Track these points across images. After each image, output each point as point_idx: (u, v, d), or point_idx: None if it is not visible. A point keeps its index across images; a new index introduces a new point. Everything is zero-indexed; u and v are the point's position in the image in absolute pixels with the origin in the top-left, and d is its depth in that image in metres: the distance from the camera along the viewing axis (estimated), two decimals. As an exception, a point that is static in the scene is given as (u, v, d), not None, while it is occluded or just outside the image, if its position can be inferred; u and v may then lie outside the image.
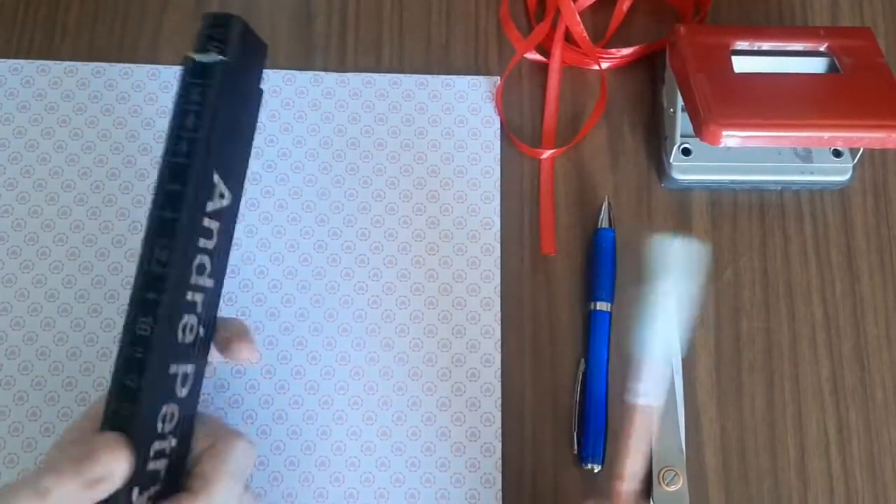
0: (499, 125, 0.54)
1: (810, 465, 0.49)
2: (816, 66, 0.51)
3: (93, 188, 0.51)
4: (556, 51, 0.55)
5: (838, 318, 0.52)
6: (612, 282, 0.51)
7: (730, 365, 0.51)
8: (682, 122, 0.51)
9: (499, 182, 0.53)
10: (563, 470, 0.49)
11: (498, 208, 0.52)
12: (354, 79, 0.54)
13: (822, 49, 0.51)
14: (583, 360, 0.50)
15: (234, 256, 0.51)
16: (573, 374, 0.50)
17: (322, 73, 0.54)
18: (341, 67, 0.55)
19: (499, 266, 0.51)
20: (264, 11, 0.56)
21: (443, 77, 0.55)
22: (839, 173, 0.53)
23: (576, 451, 0.49)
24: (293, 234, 0.51)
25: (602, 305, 0.50)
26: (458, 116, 0.54)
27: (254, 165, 0.52)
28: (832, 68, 0.51)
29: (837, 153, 0.53)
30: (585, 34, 0.55)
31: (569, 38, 0.56)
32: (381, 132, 0.53)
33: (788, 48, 0.51)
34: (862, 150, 0.52)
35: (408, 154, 0.53)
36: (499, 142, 0.54)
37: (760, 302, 0.52)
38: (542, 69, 0.56)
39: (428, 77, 0.55)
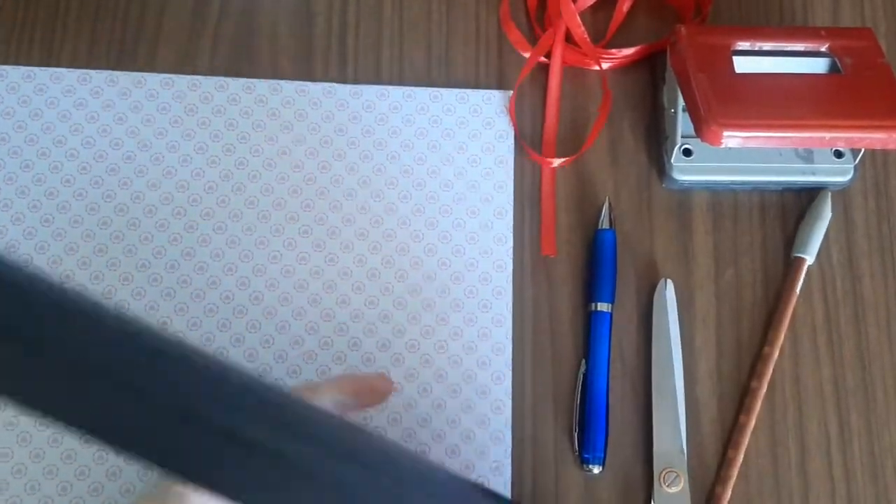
0: (513, 140, 0.54)
1: (811, 466, 0.49)
2: (817, 66, 0.51)
3: (104, 197, 0.51)
4: (557, 52, 0.55)
5: (839, 318, 0.52)
6: (612, 282, 0.51)
7: (731, 366, 0.51)
8: (682, 122, 0.51)
9: (512, 197, 0.53)
10: (563, 471, 0.49)
11: (511, 224, 0.52)
12: (368, 91, 0.54)
13: (823, 49, 0.51)
14: (584, 360, 0.50)
15: (247, 270, 0.50)
16: (574, 374, 0.50)
17: (336, 85, 0.54)
18: (342, 69, 0.55)
19: (511, 283, 0.51)
20: (264, 11, 0.56)
21: (457, 91, 0.54)
22: (840, 174, 0.53)
23: (576, 452, 0.49)
24: (305, 246, 0.51)
25: (603, 306, 0.50)
26: (473, 131, 0.54)
27: (266, 176, 0.52)
28: (833, 69, 0.51)
29: (839, 154, 0.53)
30: (586, 35, 0.54)
31: (569, 37, 0.56)
32: (394, 145, 0.53)
33: (789, 48, 0.51)
34: (863, 150, 0.52)
35: (421, 168, 0.53)
36: (513, 157, 0.53)
37: (761, 302, 0.52)
38: (543, 69, 0.56)
39: (442, 90, 0.54)
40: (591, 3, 0.56)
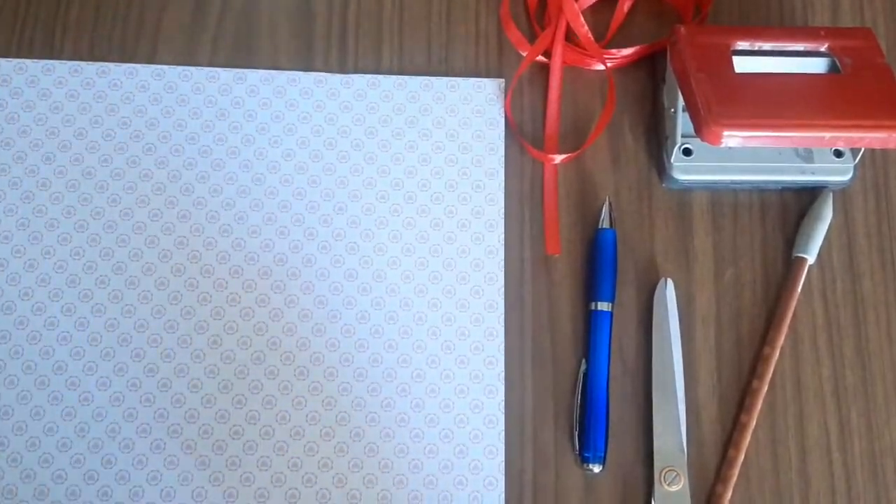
0: (503, 127, 0.54)
1: (811, 465, 0.49)
2: (817, 66, 0.51)
3: (97, 188, 0.51)
4: (557, 51, 0.55)
5: (839, 317, 0.52)
6: (612, 282, 0.51)
7: (731, 365, 0.51)
8: (682, 122, 0.51)
9: (503, 184, 0.53)
10: (564, 470, 0.49)
11: (502, 210, 0.52)
12: (359, 80, 0.54)
13: (822, 49, 0.51)
14: (584, 359, 0.50)
15: (238, 258, 0.51)
16: (574, 374, 0.50)
17: (326, 75, 0.54)
18: (342, 68, 0.55)
19: (502, 268, 0.51)
20: (264, 11, 0.56)
21: (448, 79, 0.55)
22: (840, 173, 0.53)
23: (577, 452, 0.49)
24: (297, 235, 0.51)
25: (603, 305, 0.50)
26: (463, 118, 0.54)
27: (258, 166, 0.52)
28: (833, 69, 0.51)
29: (838, 153, 0.53)
30: (590, 34, 0.55)
31: (567, 37, 0.56)
32: (385, 133, 0.53)
33: (789, 48, 0.51)
34: (863, 150, 0.52)
35: (412, 156, 0.53)
36: (503, 144, 0.54)
37: (761, 302, 0.52)
38: (542, 69, 0.56)
39: (433, 79, 0.55)
40: (592, 2, 0.56)
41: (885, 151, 0.55)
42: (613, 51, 0.55)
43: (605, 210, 0.53)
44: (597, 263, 0.51)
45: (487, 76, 0.55)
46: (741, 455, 0.49)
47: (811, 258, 0.52)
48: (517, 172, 0.54)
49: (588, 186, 0.54)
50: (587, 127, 0.55)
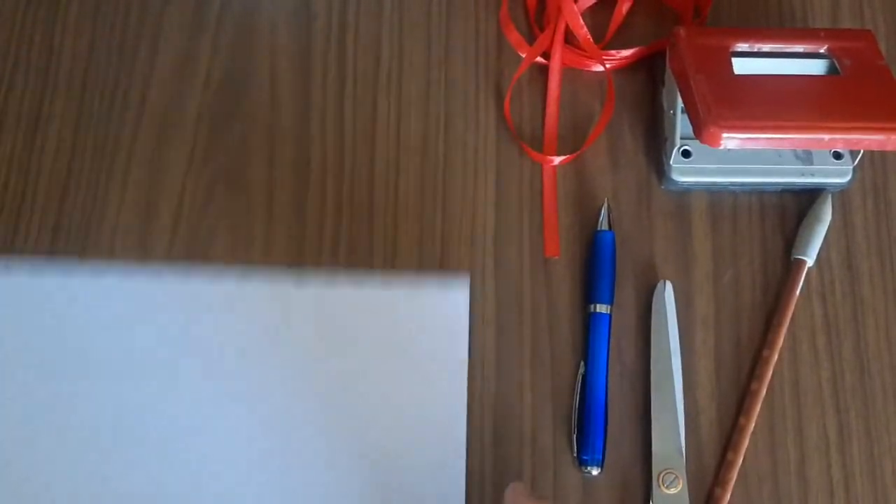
0: (467, 337, 0.50)
1: (810, 467, 0.49)
2: (816, 67, 0.51)
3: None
4: (556, 52, 0.55)
5: (838, 319, 0.52)
6: (611, 284, 0.51)
7: (729, 367, 0.51)
8: (681, 123, 0.51)
9: (465, 405, 0.49)
10: (562, 473, 0.49)
11: (464, 422, 0.48)
12: (311, 289, 0.50)
13: (822, 51, 0.51)
14: (582, 362, 0.50)
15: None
16: (573, 376, 0.50)
17: (281, 279, 0.50)
18: (341, 68, 0.55)
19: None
20: (264, 11, 0.56)
21: (409, 285, 0.51)
22: (839, 175, 0.53)
23: (575, 454, 0.48)
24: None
25: (602, 307, 0.50)
26: (424, 327, 0.50)
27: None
28: (832, 70, 0.51)
29: (838, 155, 0.53)
30: (589, 36, 0.55)
31: (568, 39, 0.56)
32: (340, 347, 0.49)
33: (788, 50, 0.51)
34: (862, 151, 0.52)
35: (377, 367, 0.49)
36: (467, 353, 0.50)
37: (760, 304, 0.52)
38: (541, 70, 0.56)
39: (392, 289, 0.50)
40: (591, 3, 0.56)
41: (884, 153, 0.55)
42: (612, 52, 0.55)
43: (603, 212, 0.52)
44: (595, 265, 0.51)
45: (486, 77, 0.55)
46: (740, 457, 0.49)
47: (810, 260, 0.52)
48: (516, 174, 0.54)
49: (587, 188, 0.54)
50: (586, 128, 0.55)
